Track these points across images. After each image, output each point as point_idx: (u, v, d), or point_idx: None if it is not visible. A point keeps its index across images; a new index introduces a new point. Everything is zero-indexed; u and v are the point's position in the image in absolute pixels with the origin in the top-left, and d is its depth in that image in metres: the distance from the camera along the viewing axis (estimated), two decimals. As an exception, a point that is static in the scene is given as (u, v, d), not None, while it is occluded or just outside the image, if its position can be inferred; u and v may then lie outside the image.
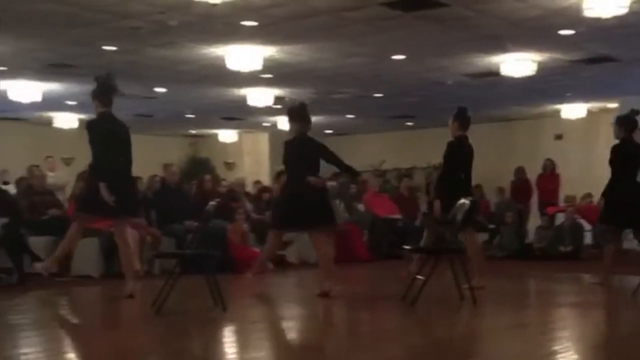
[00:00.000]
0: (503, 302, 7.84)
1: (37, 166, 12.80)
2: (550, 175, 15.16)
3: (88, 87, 13.48)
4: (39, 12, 8.86)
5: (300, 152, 7.91)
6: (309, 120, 8.10)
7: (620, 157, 8.47)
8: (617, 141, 8.60)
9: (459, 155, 8.33)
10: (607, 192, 8.59)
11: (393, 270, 8.76)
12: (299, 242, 12.34)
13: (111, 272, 9.69)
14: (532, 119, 17.58)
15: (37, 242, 9.84)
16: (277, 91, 13.90)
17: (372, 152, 19.01)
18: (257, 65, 10.85)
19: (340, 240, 12.73)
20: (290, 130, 8.17)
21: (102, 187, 7.23)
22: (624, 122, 8.60)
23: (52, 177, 12.94)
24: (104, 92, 7.63)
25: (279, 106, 15.14)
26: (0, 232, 8.89)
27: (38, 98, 13.23)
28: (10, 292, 8.26)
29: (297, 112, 8.13)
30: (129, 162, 7.65)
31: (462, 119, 8.39)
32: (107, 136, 7.46)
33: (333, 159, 8.09)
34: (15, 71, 11.95)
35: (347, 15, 9.09)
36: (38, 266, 7.69)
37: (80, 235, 7.83)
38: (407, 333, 5.99)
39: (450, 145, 8.38)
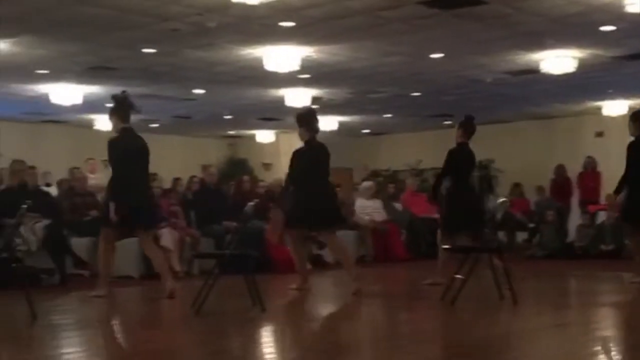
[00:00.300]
0: (543, 302, 7.77)
1: (78, 168, 12.96)
2: (591, 173, 14.97)
3: (128, 90, 13.68)
4: (80, 17, 8.98)
5: (315, 159, 8.10)
6: (316, 125, 8.22)
7: (635, 154, 8.40)
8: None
9: (459, 162, 8.44)
10: (620, 189, 8.55)
11: (431, 270, 8.72)
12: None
13: (151, 273, 9.78)
14: (573, 116, 17.37)
15: (78, 243, 9.97)
16: (314, 91, 13.92)
17: (409, 151, 18.94)
18: (295, 66, 10.87)
19: (379, 239, 12.79)
20: (300, 135, 8.24)
21: (111, 207, 7.50)
22: (639, 118, 8.55)
23: (93, 179, 13.09)
24: (123, 109, 7.79)
25: (316, 106, 15.16)
26: (42, 233, 9.01)
27: (79, 101, 13.41)
28: (52, 292, 8.36)
29: (305, 118, 8.23)
30: (146, 176, 7.89)
31: (467, 127, 8.48)
32: (125, 154, 7.64)
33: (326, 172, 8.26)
34: (56, 74, 12.12)
35: (384, 15, 9.07)
36: (93, 293, 7.87)
37: (112, 250, 7.93)
38: (446, 333, 5.96)
39: (450, 152, 8.50)
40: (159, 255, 8.00)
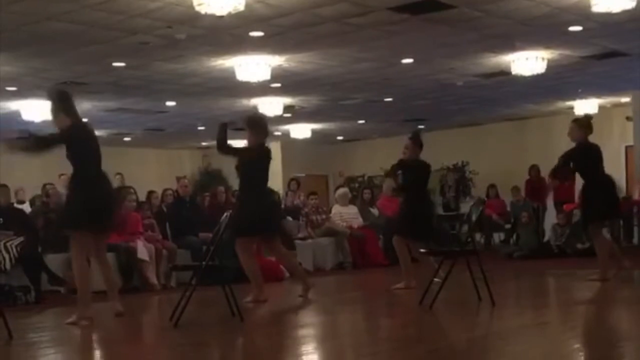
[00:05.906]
0: (522, 302, 7.80)
1: (52, 184, 12.83)
2: (566, 173, 15.05)
3: (100, 104, 13.57)
4: (47, 32, 8.92)
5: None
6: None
7: None
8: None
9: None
10: None
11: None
12: (314, 249, 12.35)
13: (129, 287, 9.71)
14: (545, 116, 17.51)
15: (54, 259, 9.86)
16: (287, 100, 13.92)
17: (384, 156, 18.93)
18: (266, 75, 10.87)
19: (356, 246, 12.78)
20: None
21: None
22: None
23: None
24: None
25: (289, 115, 15.18)
26: (16, 250, 8.92)
27: (49, 117, 13.27)
28: (28, 310, 8.26)
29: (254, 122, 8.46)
30: None
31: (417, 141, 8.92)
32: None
33: None
34: (26, 91, 12.03)
35: (354, 22, 9.09)
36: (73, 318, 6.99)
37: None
38: (426, 337, 5.96)
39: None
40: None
